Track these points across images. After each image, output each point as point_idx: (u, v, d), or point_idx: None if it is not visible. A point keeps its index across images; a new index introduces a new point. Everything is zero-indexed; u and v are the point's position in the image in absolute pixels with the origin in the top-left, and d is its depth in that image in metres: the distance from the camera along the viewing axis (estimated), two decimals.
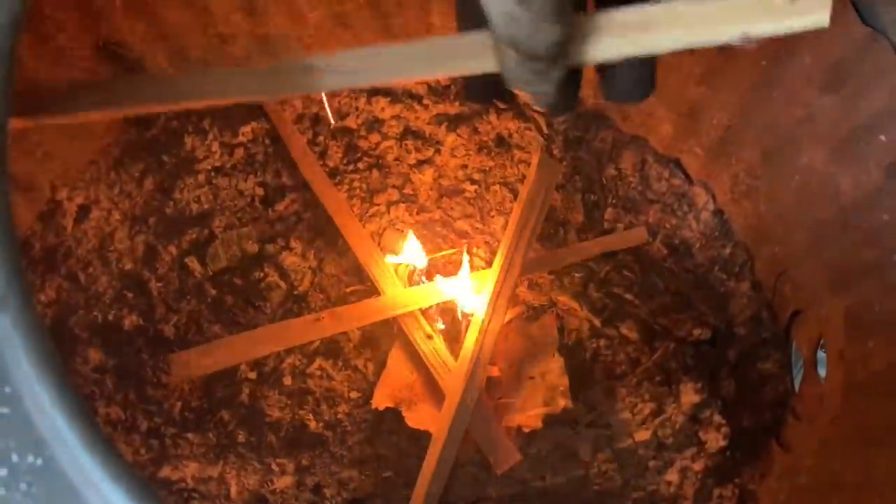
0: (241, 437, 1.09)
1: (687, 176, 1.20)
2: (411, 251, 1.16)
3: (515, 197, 1.22)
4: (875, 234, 0.86)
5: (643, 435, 1.10)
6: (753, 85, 0.96)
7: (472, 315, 1.14)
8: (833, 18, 0.78)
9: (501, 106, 1.24)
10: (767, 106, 0.96)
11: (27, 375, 0.34)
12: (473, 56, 0.58)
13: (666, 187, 1.21)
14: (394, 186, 1.24)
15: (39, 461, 0.34)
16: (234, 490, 1.06)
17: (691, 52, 1.00)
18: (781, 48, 0.89)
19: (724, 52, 0.95)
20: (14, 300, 0.33)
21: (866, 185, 0.85)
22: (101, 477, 0.32)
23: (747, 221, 1.14)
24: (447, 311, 1.17)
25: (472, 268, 1.19)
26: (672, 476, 1.08)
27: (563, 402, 1.10)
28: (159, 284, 1.15)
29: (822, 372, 1.02)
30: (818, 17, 0.61)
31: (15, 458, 0.34)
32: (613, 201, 1.22)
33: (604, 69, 0.62)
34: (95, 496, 0.33)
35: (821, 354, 1.02)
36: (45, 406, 0.33)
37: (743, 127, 1.04)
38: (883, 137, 0.80)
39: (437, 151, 1.25)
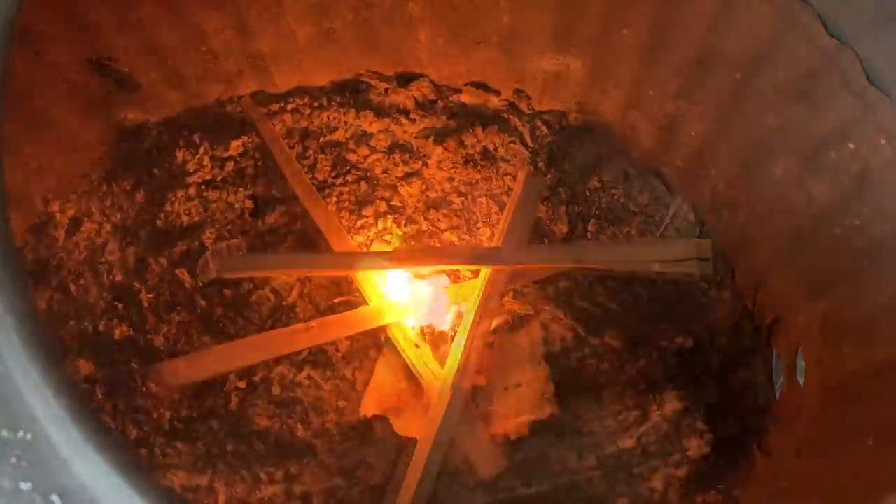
0: (229, 446, 1.10)
1: (668, 187, 1.22)
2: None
3: (501, 209, 1.24)
4: (847, 240, 0.88)
5: (627, 442, 1.11)
6: (729, 97, 0.99)
7: (458, 324, 1.15)
8: (801, 31, 0.81)
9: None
10: (742, 118, 0.99)
11: (19, 355, 0.35)
12: None
13: (648, 199, 1.23)
14: (382, 198, 1.26)
15: (29, 436, 0.36)
16: (222, 499, 1.06)
17: (669, 66, 1.03)
18: (754, 62, 0.92)
19: (699, 66, 0.98)
20: (6, 285, 0.35)
21: (837, 192, 0.88)
22: (88, 448, 0.34)
23: (727, 231, 1.16)
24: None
25: (460, 278, 1.21)
26: (656, 483, 1.09)
27: (549, 409, 1.11)
28: (150, 296, 1.16)
29: (801, 378, 1.04)
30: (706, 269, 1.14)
31: (5, 433, 0.36)
32: (597, 213, 1.25)
33: None
34: (83, 466, 0.35)
35: (800, 361, 1.04)
36: (36, 383, 0.35)
37: (720, 139, 1.06)
38: (851, 145, 0.83)
39: (425, 164, 1.27)
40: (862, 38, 0.77)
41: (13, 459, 0.35)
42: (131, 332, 1.14)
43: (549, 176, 1.25)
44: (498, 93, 1.26)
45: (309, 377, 1.14)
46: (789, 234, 1.01)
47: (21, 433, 0.36)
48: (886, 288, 0.84)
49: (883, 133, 0.79)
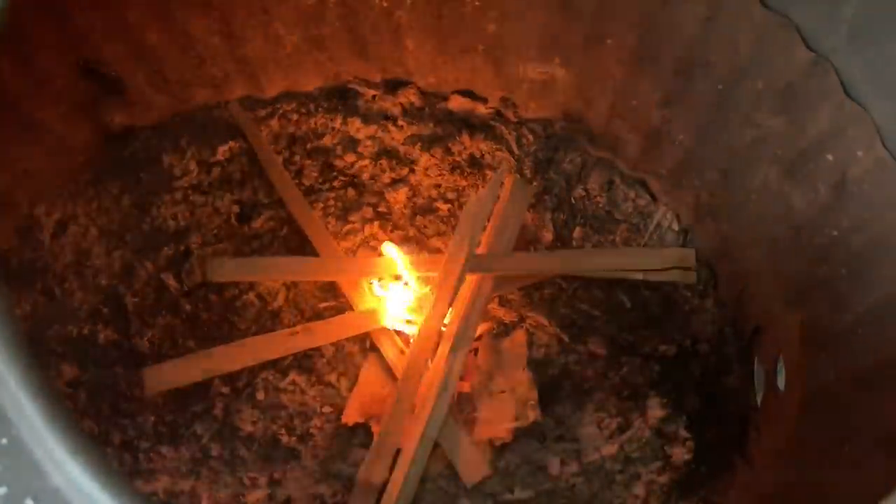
0: (213, 452, 1.10)
1: (652, 196, 1.23)
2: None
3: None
4: (825, 250, 0.90)
5: (610, 449, 1.12)
6: (711, 108, 1.00)
7: (443, 331, 1.16)
8: (781, 44, 0.83)
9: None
10: (725, 128, 1.00)
11: None
12: None
13: (632, 207, 1.24)
14: (368, 204, 1.27)
15: (5, 440, 0.36)
16: None
17: (653, 77, 1.05)
18: (736, 74, 0.93)
19: (682, 76, 1.00)
20: None
21: (815, 203, 0.89)
22: (67, 452, 0.34)
23: (710, 240, 1.17)
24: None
25: None
26: (639, 489, 1.10)
27: (532, 416, 1.12)
28: (135, 300, 1.16)
29: (781, 386, 1.05)
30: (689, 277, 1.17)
31: None
32: (582, 221, 1.25)
33: None
34: (57, 471, 0.35)
35: (781, 369, 1.05)
36: (11, 386, 0.35)
37: (704, 148, 1.08)
38: (830, 157, 0.84)
39: (412, 171, 1.28)
40: (839, 52, 0.78)
41: None
42: (116, 337, 1.14)
43: (534, 184, 1.26)
44: (485, 101, 1.27)
45: (293, 383, 1.15)
46: (771, 243, 1.02)
47: None
48: (863, 298, 0.85)
49: (860, 145, 0.80)
